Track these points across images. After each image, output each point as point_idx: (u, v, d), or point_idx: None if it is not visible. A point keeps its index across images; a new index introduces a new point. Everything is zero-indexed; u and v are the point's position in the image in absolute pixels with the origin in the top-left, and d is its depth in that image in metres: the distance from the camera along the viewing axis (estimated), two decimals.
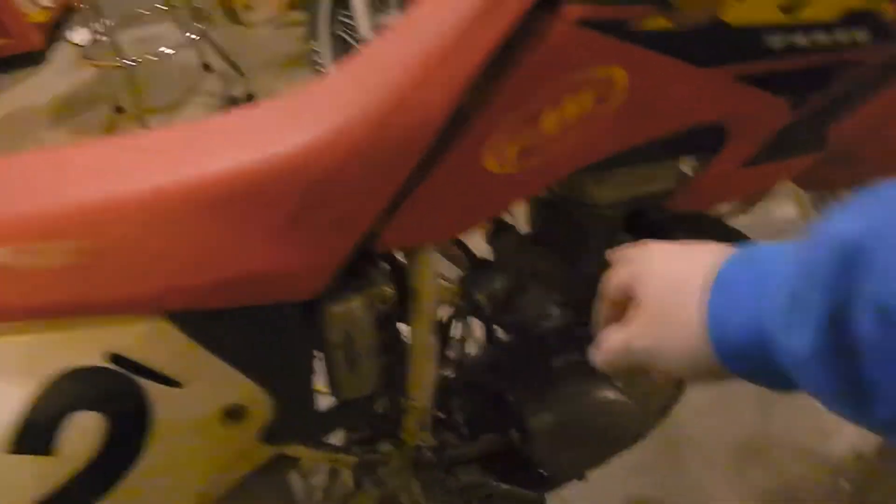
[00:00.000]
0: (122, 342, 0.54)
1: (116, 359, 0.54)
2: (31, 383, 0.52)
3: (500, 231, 0.67)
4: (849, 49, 0.52)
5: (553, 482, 0.81)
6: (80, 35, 2.43)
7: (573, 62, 0.50)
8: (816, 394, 0.27)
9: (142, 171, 0.54)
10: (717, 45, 0.50)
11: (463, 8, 0.50)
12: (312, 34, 1.91)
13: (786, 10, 0.49)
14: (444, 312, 0.75)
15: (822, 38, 0.50)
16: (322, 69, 1.95)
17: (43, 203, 0.51)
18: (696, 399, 1.30)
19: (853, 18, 0.50)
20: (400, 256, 0.64)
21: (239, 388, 0.59)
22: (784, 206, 1.54)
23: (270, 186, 0.52)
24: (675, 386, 0.82)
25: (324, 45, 1.91)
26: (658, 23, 0.49)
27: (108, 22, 2.14)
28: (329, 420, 0.69)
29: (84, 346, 0.53)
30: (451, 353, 0.76)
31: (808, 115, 0.57)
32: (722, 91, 0.53)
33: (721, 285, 0.32)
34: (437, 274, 0.64)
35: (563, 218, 0.70)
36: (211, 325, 0.55)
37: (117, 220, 0.51)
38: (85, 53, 2.28)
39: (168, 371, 0.55)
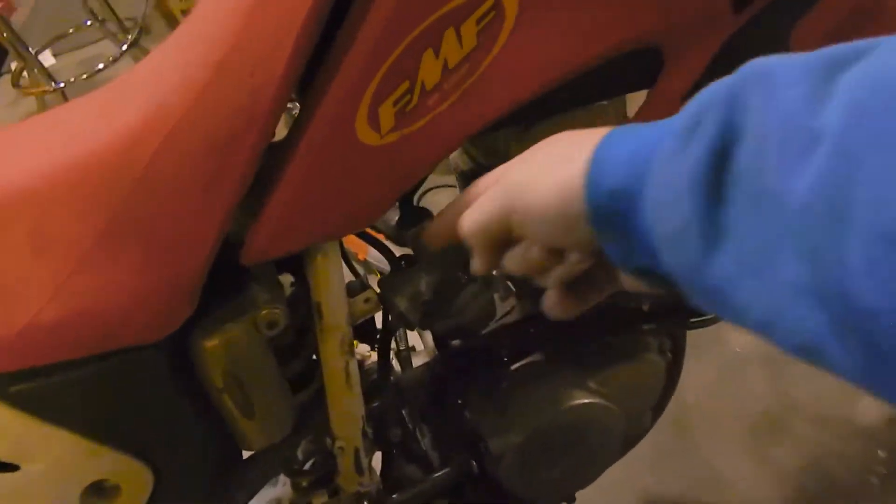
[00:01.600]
0: None
1: None
2: None
3: (412, 218, 0.54)
4: None
5: None
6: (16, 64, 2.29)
7: None
8: (666, 239, 0.24)
9: None
10: None
11: None
12: None
13: None
14: (377, 323, 0.62)
15: None
16: None
17: None
18: (702, 377, 1.17)
19: None
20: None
21: (98, 461, 0.46)
22: None
23: (76, 193, 0.39)
24: (665, 370, 0.69)
25: None
26: None
27: (33, 50, 2.01)
28: (242, 478, 0.56)
29: None
30: (385, 374, 0.63)
31: (759, 16, 0.44)
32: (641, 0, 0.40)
33: (616, 132, 0.29)
34: (340, 277, 0.51)
35: None
36: (39, 387, 0.42)
37: None
38: (14, 81, 2.14)
39: None
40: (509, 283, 0.69)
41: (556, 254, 0.33)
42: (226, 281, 0.47)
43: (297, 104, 0.44)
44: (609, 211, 0.27)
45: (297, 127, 0.43)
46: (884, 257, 0.16)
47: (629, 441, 0.70)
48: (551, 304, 0.36)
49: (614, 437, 0.64)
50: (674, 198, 0.23)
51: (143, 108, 0.40)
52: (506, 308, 0.68)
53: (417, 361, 0.73)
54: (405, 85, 0.42)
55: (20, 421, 0.42)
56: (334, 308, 0.51)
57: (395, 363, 0.71)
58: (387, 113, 0.42)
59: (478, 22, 0.41)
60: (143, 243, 0.40)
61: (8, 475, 0.43)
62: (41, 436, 0.43)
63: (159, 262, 0.41)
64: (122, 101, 0.43)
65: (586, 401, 0.59)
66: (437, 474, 0.61)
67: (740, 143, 0.21)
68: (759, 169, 0.20)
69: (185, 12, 2.67)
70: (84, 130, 0.42)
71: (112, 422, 0.45)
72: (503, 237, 0.34)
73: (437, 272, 0.56)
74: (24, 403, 0.42)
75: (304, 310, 0.54)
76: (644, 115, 0.50)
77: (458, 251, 0.58)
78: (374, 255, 1.14)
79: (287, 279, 0.57)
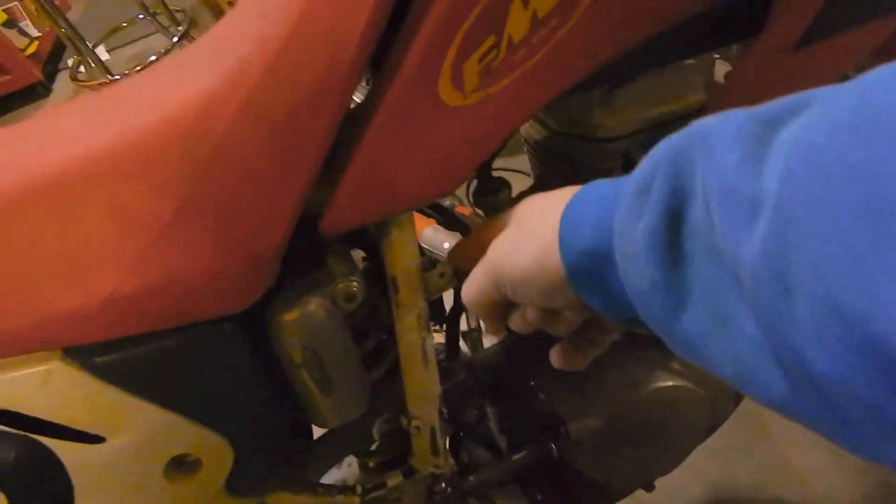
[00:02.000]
0: (13, 394, 0.41)
1: (9, 416, 0.41)
2: None
3: (487, 187, 0.52)
4: None
5: (613, 496, 0.65)
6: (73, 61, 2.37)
7: None
8: (640, 297, 0.25)
9: None
10: None
11: None
12: None
13: None
14: (446, 299, 0.60)
15: None
16: None
17: None
18: None
19: None
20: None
21: (181, 434, 0.45)
22: None
23: (154, 159, 0.38)
24: None
25: None
26: None
27: (89, 43, 2.06)
28: (314, 456, 0.55)
29: None
30: (461, 351, 0.61)
31: None
32: None
33: (581, 194, 0.30)
34: (416, 251, 0.49)
35: (568, 162, 0.54)
36: (123, 359, 0.42)
37: None
38: (72, 74, 2.20)
39: (79, 424, 0.42)
40: None
41: (551, 312, 0.35)
42: (301, 253, 0.46)
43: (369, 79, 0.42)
44: (584, 270, 0.28)
45: (375, 90, 0.41)
46: (830, 324, 0.16)
47: (711, 427, 0.66)
48: (556, 359, 0.38)
49: (699, 422, 0.60)
50: (636, 258, 0.24)
51: (217, 72, 0.39)
52: None
53: (486, 343, 0.71)
54: (491, 39, 0.39)
55: (107, 392, 0.42)
56: (411, 282, 0.49)
57: (462, 345, 0.69)
58: (471, 70, 0.40)
59: None
60: (222, 215, 0.39)
61: (95, 447, 0.43)
62: (127, 408, 0.43)
63: (239, 234, 0.40)
64: (195, 66, 0.42)
65: (671, 383, 0.56)
66: (515, 457, 0.59)
67: (690, 202, 0.22)
68: (710, 229, 0.21)
69: (231, 4, 2.70)
70: (158, 97, 0.41)
71: (193, 395, 0.45)
72: (502, 303, 0.36)
73: None
74: (109, 375, 0.42)
75: (377, 285, 0.53)
76: (751, 66, 0.46)
77: None
78: (427, 240, 1.12)
79: (358, 254, 0.55)
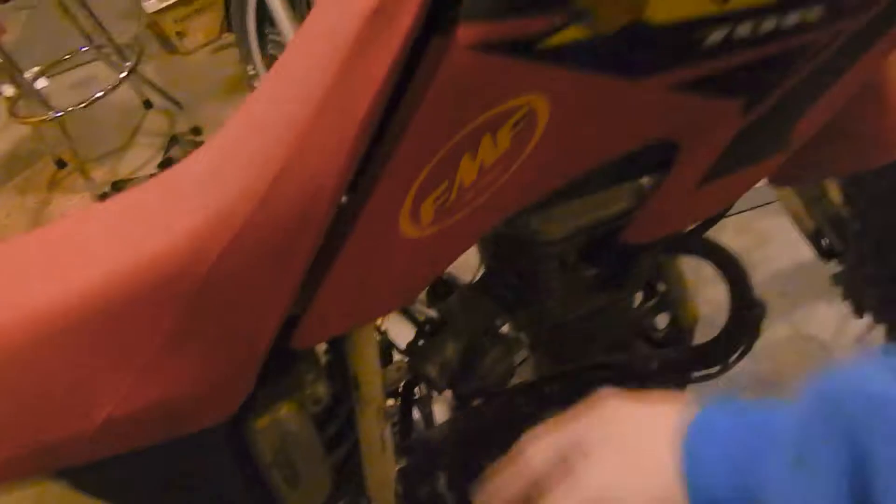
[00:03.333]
0: None
1: None
2: None
3: (440, 291, 0.58)
4: (799, 33, 0.42)
5: None
6: (11, 88, 2.29)
7: (481, 96, 0.41)
8: None
9: None
10: (643, 50, 0.41)
11: (336, 49, 0.40)
12: (246, 58, 1.80)
13: None
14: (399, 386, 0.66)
15: (766, 24, 0.41)
16: None
17: None
18: None
19: None
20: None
21: None
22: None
23: (144, 298, 0.43)
24: None
25: (259, 68, 1.80)
26: (571, 34, 0.39)
27: (28, 75, 2.01)
28: None
29: None
30: (413, 430, 0.67)
31: (766, 114, 0.48)
32: (660, 105, 0.44)
33: (701, 426, 0.28)
34: (376, 355, 0.55)
35: (513, 259, 0.61)
36: (113, 477, 0.46)
37: None
38: (11, 110, 2.14)
39: None
40: (523, 335, 0.73)
41: None
42: (272, 361, 0.51)
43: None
44: None
45: (343, 222, 0.46)
46: None
47: None
48: None
49: None
50: None
51: (204, 213, 0.43)
52: (519, 360, 0.72)
53: (439, 404, 0.77)
54: (445, 184, 0.45)
55: None
56: (371, 380, 0.55)
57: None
58: (428, 209, 0.46)
59: (512, 127, 0.45)
60: (209, 340, 0.44)
61: None
62: None
63: (223, 356, 0.45)
64: (179, 202, 0.47)
65: None
66: None
67: (876, 482, 0.21)
68: None
69: (179, 34, 2.68)
70: (144, 233, 0.45)
71: (173, 498, 0.49)
72: None
73: (463, 339, 0.60)
74: (98, 491, 0.45)
75: (339, 377, 0.58)
76: (660, 199, 0.54)
77: (483, 317, 0.62)
78: None
79: (321, 346, 0.60)
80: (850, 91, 0.53)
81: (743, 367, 1.28)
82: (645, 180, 0.57)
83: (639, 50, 0.41)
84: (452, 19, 0.38)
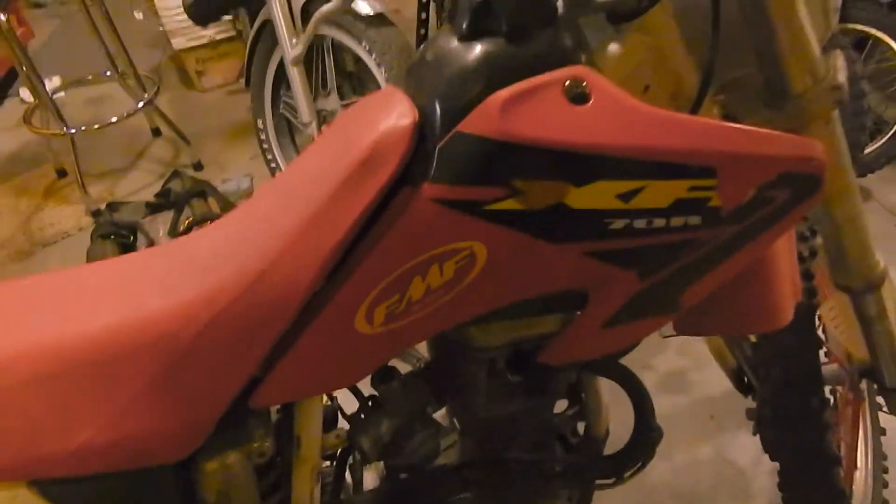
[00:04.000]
0: None
1: None
2: None
3: (384, 374, 0.69)
4: (683, 231, 0.56)
5: None
6: (28, 93, 2.41)
7: (435, 236, 0.53)
8: None
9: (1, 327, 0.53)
10: (562, 224, 0.53)
11: (328, 182, 0.53)
12: (258, 112, 1.94)
13: (623, 198, 0.53)
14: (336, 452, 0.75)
15: (657, 221, 0.54)
16: (267, 146, 1.97)
17: None
18: None
19: (683, 205, 0.54)
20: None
21: None
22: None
23: (134, 350, 0.52)
24: None
25: (268, 125, 1.94)
26: (510, 204, 0.52)
27: (49, 83, 2.13)
28: None
29: None
30: (346, 489, 0.76)
31: (658, 283, 0.60)
32: (573, 264, 0.56)
33: None
34: (319, 422, 0.64)
35: (451, 358, 0.72)
36: (76, 491, 0.54)
37: None
38: (26, 118, 2.25)
39: None
40: (455, 421, 0.83)
41: None
42: (230, 413, 0.60)
43: None
44: None
45: (309, 312, 0.57)
46: None
47: None
48: None
49: None
50: None
51: (201, 287, 0.54)
52: (448, 443, 0.81)
53: (369, 472, 0.85)
54: (396, 297, 0.56)
55: None
56: (311, 443, 0.64)
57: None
58: (380, 313, 0.57)
59: (456, 263, 0.56)
60: (179, 395, 0.53)
61: None
62: None
63: (191, 407, 0.54)
64: (183, 271, 0.57)
65: None
66: None
67: None
68: None
69: (199, 72, 2.84)
70: (146, 293, 0.56)
71: None
72: None
73: (397, 419, 0.69)
74: (61, 501, 0.53)
75: (284, 435, 0.67)
76: (573, 332, 0.65)
77: (417, 402, 0.72)
78: None
79: (274, 407, 0.70)
80: (736, 269, 0.65)
81: (664, 481, 1.38)
82: (562, 315, 0.69)
83: (559, 223, 0.53)
84: (420, 177, 0.51)
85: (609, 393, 0.82)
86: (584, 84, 0.51)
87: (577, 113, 0.51)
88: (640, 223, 0.54)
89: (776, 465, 1.04)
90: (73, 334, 0.53)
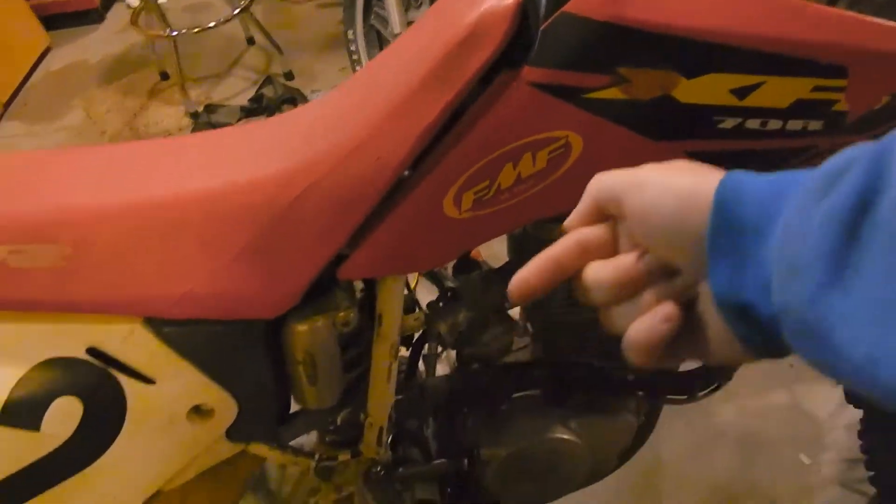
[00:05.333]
0: (101, 339, 0.59)
1: (96, 353, 0.59)
2: (18, 366, 0.58)
3: (465, 266, 0.70)
4: (801, 136, 0.52)
5: None
6: (135, 1, 2.51)
7: (530, 122, 0.52)
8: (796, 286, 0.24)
9: (121, 183, 0.58)
10: (668, 120, 0.51)
11: (425, 59, 0.53)
12: (349, 23, 1.94)
13: (737, 93, 0.50)
14: (416, 334, 0.78)
15: (773, 123, 0.51)
16: (357, 58, 1.98)
17: (28, 206, 0.56)
18: (681, 440, 1.31)
19: (804, 107, 0.50)
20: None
21: (207, 390, 0.63)
22: None
23: (237, 210, 0.56)
24: (637, 429, 0.84)
25: (359, 36, 1.93)
26: (612, 93, 0.50)
27: None
28: (291, 425, 0.73)
29: (66, 340, 0.58)
30: (417, 376, 0.80)
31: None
32: None
33: (738, 172, 0.29)
34: (401, 301, 0.67)
35: (532, 256, 0.73)
36: (183, 332, 0.60)
37: (97, 228, 0.56)
38: (133, 20, 2.35)
39: (142, 369, 0.60)
40: (528, 325, 0.85)
41: (649, 271, 0.32)
42: (319, 282, 0.64)
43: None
44: (733, 225, 0.27)
45: (400, 191, 0.58)
46: None
47: (593, 475, 0.85)
48: (641, 336, 0.31)
49: (579, 469, 0.79)
50: (807, 228, 0.24)
51: (296, 157, 0.57)
52: (521, 344, 0.83)
53: (441, 364, 0.89)
54: (486, 183, 0.57)
55: (166, 352, 0.60)
56: (392, 321, 0.67)
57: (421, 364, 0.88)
58: (468, 198, 0.58)
59: (550, 152, 0.56)
60: (275, 257, 0.57)
61: (148, 386, 0.61)
62: (176, 365, 0.61)
63: (283, 271, 0.58)
64: (283, 143, 0.60)
65: (562, 437, 0.75)
66: (435, 462, 0.77)
67: (883, 196, 0.22)
68: None
69: None
70: (249, 160, 0.59)
71: (223, 366, 0.63)
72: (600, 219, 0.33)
73: (474, 310, 0.72)
74: (171, 341, 0.60)
75: (367, 312, 0.71)
76: None
77: (495, 297, 0.74)
78: None
79: (359, 284, 0.73)
80: None
81: (731, 421, 1.36)
82: None
83: (664, 118, 0.52)
84: (520, 60, 0.50)
85: None
86: None
87: None
88: (753, 123, 0.51)
89: (853, 418, 1.00)
90: (180, 193, 0.57)
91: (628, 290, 0.32)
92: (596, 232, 0.34)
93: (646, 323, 0.31)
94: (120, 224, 0.56)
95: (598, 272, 0.32)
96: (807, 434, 1.33)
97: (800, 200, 0.25)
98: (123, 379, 0.60)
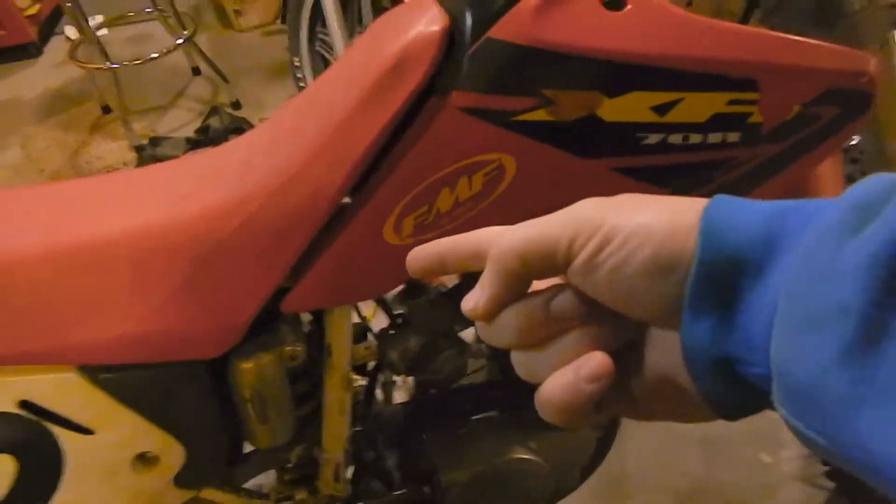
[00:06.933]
0: (33, 391, 0.56)
1: (28, 405, 0.56)
2: None
3: (414, 291, 0.70)
4: (721, 149, 0.54)
5: None
6: (73, 31, 2.45)
7: (463, 146, 0.53)
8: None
9: (43, 225, 0.57)
10: (594, 138, 0.53)
11: (356, 88, 0.53)
12: (294, 49, 1.94)
13: (658, 110, 0.51)
14: (369, 364, 0.77)
15: (694, 137, 0.53)
16: (304, 84, 1.97)
17: None
18: (645, 446, 1.32)
19: (722, 120, 0.52)
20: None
21: (150, 437, 0.61)
22: None
23: (170, 247, 0.55)
24: (597, 439, 0.84)
25: (305, 62, 1.93)
26: (540, 115, 0.51)
27: (93, 21, 2.16)
28: (244, 466, 0.71)
29: None
30: (373, 405, 0.79)
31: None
32: (600, 181, 0.56)
33: (724, 199, 0.24)
34: (349, 331, 0.66)
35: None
36: (120, 378, 0.58)
37: (17, 274, 0.54)
38: (71, 53, 2.29)
39: (79, 419, 0.58)
40: (483, 346, 0.85)
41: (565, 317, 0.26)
42: (262, 318, 0.63)
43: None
44: (724, 259, 0.22)
45: (339, 220, 0.58)
46: None
47: (557, 493, 0.85)
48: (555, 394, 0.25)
49: (542, 488, 0.79)
50: (834, 271, 0.19)
51: (233, 192, 0.56)
52: (476, 366, 0.83)
53: (399, 392, 0.88)
54: (424, 208, 0.57)
55: (103, 400, 0.57)
56: (341, 352, 0.66)
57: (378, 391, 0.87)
58: (408, 224, 0.58)
59: (485, 175, 0.57)
60: (213, 294, 0.56)
61: (86, 437, 0.58)
62: (115, 412, 0.58)
63: (225, 306, 0.57)
64: (219, 175, 0.59)
65: (525, 457, 0.75)
66: (395, 493, 0.76)
67: None
68: None
69: (237, 11, 2.84)
70: (186, 194, 0.58)
71: (165, 410, 0.60)
72: (539, 272, 0.26)
73: (425, 335, 0.71)
74: (108, 388, 0.57)
75: (315, 344, 0.70)
76: None
77: (445, 321, 0.74)
78: None
79: (306, 317, 0.72)
80: (776, 193, 0.64)
81: (693, 425, 1.39)
82: None
83: (589, 136, 0.53)
84: (449, 86, 0.51)
85: None
86: None
87: (612, 18, 0.49)
88: (675, 138, 0.53)
89: None
90: (112, 231, 0.55)
91: (537, 335, 0.26)
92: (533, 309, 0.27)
93: (565, 378, 0.25)
94: (41, 268, 0.54)
95: (510, 319, 0.26)
96: (766, 433, 1.36)
97: (820, 235, 0.20)
98: (59, 431, 0.57)
